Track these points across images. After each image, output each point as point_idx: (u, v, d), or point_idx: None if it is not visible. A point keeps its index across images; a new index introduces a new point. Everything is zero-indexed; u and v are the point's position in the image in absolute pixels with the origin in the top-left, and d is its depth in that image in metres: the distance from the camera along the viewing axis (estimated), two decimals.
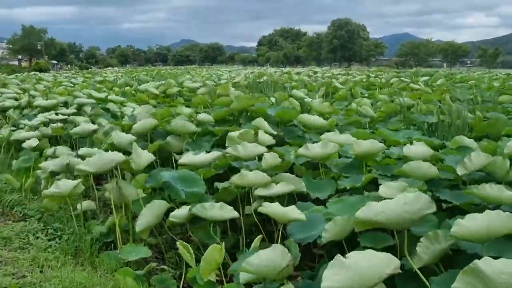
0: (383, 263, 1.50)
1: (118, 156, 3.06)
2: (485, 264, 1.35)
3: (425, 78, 11.85)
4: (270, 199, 2.68)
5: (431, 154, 2.78)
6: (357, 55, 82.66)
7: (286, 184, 2.69)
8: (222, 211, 2.57)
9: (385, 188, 2.28)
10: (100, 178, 4.47)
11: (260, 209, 2.45)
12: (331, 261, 1.53)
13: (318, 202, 2.76)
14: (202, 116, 4.36)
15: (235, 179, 2.77)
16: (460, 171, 2.42)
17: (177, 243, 2.37)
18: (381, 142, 3.13)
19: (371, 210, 1.86)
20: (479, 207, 2.22)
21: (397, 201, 1.82)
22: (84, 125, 4.79)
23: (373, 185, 2.77)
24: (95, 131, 4.68)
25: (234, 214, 2.61)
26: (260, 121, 3.81)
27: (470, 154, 2.42)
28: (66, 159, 3.42)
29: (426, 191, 2.32)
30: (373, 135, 3.67)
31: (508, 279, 1.30)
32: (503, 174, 2.48)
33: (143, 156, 3.18)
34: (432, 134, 3.93)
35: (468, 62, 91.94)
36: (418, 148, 2.81)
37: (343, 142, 3.21)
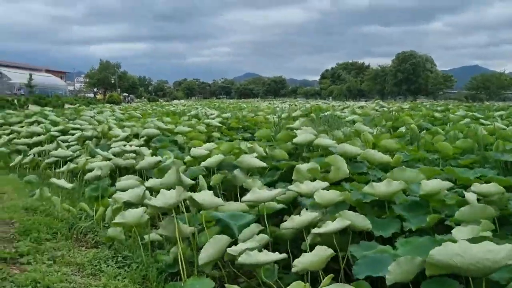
0: None
1: (185, 194, 3.14)
2: None
3: (501, 113, 11.26)
4: (328, 236, 2.64)
5: (498, 194, 2.64)
6: (423, 88, 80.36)
7: (341, 220, 2.63)
8: (267, 256, 2.58)
9: (458, 232, 2.18)
10: None
11: (294, 265, 2.43)
12: None
13: (384, 242, 2.68)
14: (272, 151, 4.46)
15: (286, 223, 2.79)
16: None
17: (226, 286, 2.40)
18: (450, 181, 3.02)
19: (448, 252, 1.77)
20: None
21: (480, 246, 1.72)
22: (148, 158, 5.02)
23: (442, 225, 2.67)
24: (159, 163, 4.89)
25: (279, 257, 2.60)
26: (334, 158, 3.80)
27: None
28: (140, 190, 3.55)
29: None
30: (442, 172, 3.54)
31: None
32: None
33: (210, 197, 3.24)
34: (508, 173, 3.71)
35: None
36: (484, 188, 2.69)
37: (410, 180, 3.12)
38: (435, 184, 2.82)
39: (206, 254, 2.78)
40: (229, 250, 2.72)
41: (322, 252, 2.44)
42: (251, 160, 4.15)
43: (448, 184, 2.87)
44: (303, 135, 4.81)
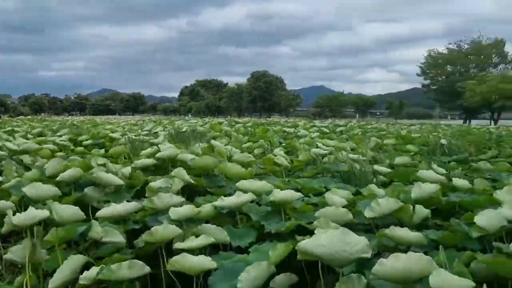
0: None
1: (43, 213, 2.87)
2: None
3: (342, 128, 12.56)
4: (191, 251, 2.66)
5: (348, 200, 2.93)
6: (276, 106, 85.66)
7: (206, 237, 2.68)
8: (132, 270, 2.47)
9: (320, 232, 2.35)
10: (7, 235, 4.16)
11: (169, 267, 2.41)
12: None
13: (242, 251, 2.78)
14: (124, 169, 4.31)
15: (145, 236, 2.72)
16: (367, 214, 2.58)
17: None
18: (298, 190, 3.26)
19: (314, 242, 1.90)
20: (390, 251, 2.36)
21: (341, 239, 1.88)
22: None
23: (294, 232, 2.86)
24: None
25: (145, 270, 2.52)
26: (179, 171, 3.82)
27: (377, 199, 2.60)
28: None
29: None
30: (288, 183, 3.79)
31: None
32: (408, 218, 2.67)
33: (68, 211, 3.00)
34: (347, 182, 4.14)
35: (378, 113, 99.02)
36: (336, 196, 2.96)
37: (260, 190, 3.29)
38: (287, 194, 3.01)
39: (58, 276, 2.52)
40: (82, 276, 2.53)
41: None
42: (108, 177, 3.96)
43: (299, 194, 3.06)
44: (167, 150, 4.75)
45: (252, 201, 3.15)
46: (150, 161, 4.70)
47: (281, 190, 3.17)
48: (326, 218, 2.59)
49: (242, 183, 3.34)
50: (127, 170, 4.44)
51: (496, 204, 2.61)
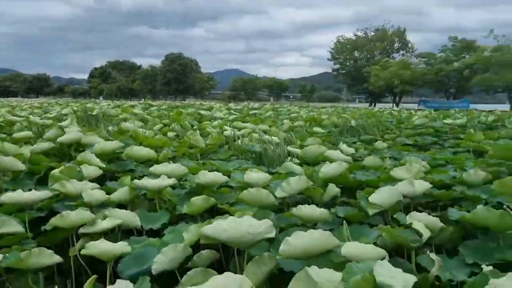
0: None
1: None
2: (313, 271, 1.50)
3: (256, 111, 12.76)
4: (98, 235, 2.55)
5: (265, 180, 2.96)
6: (191, 89, 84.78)
7: (112, 219, 2.59)
8: (40, 258, 2.31)
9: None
10: None
11: (83, 251, 2.30)
12: None
13: (155, 235, 2.72)
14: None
15: (55, 221, 2.56)
16: (278, 193, 2.64)
17: None
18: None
19: (216, 228, 1.90)
20: (299, 229, 2.44)
21: (242, 222, 1.90)
22: None
23: (208, 213, 2.85)
24: None
25: (54, 259, 2.38)
26: (86, 155, 3.63)
27: (288, 179, 2.67)
28: None
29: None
30: (204, 165, 3.78)
31: (330, 285, 1.46)
32: (319, 197, 2.78)
33: None
34: (260, 163, 4.21)
35: (291, 96, 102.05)
36: (255, 175, 2.98)
37: (175, 173, 3.23)
38: (213, 176, 2.97)
39: None
40: None
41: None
42: (9, 160, 3.63)
43: (226, 178, 3.01)
44: (70, 134, 4.46)
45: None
46: (47, 144, 4.37)
47: (197, 172, 3.14)
48: (248, 200, 2.61)
49: (155, 167, 3.25)
50: (27, 152, 4.12)
51: (396, 180, 2.80)
